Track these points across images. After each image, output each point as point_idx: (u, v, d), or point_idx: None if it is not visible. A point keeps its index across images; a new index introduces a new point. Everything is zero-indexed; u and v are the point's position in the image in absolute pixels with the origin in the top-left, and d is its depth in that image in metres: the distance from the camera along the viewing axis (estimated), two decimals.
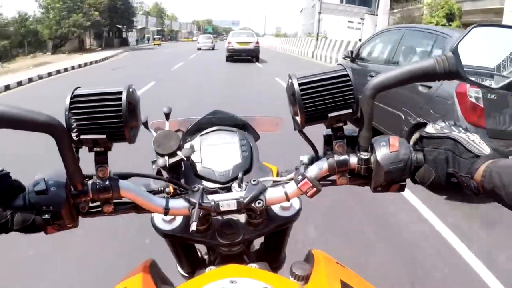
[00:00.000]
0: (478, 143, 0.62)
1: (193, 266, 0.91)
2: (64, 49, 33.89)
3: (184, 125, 0.90)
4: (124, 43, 48.48)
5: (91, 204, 0.68)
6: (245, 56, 20.42)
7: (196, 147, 0.82)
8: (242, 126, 0.89)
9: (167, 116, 0.81)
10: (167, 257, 0.91)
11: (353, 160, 0.68)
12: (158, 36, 61.18)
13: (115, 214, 0.69)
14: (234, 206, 0.69)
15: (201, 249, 0.96)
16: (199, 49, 35.20)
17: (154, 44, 52.60)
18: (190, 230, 0.63)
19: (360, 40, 19.35)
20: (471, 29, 0.64)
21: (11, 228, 0.61)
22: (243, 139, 0.84)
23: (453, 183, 0.63)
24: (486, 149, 0.61)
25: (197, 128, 0.88)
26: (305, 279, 0.66)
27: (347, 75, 0.64)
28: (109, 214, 0.68)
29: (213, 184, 0.78)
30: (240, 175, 0.75)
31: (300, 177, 0.68)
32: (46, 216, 0.62)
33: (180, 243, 0.86)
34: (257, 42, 20.42)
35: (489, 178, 0.57)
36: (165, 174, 0.77)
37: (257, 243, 0.96)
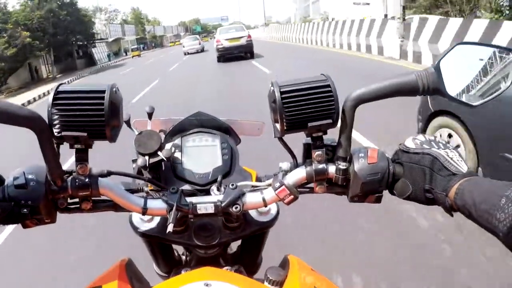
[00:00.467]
0: (456, 160, 0.62)
1: (170, 266, 0.92)
2: (11, 84, 24.80)
3: (167, 125, 0.91)
4: (90, 62, 38.92)
5: (69, 201, 0.68)
6: (238, 53, 18.58)
7: (177, 148, 0.82)
8: (224, 129, 0.90)
9: (149, 115, 0.81)
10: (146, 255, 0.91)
11: (331, 169, 0.69)
12: (136, 47, 53.45)
13: (93, 211, 0.69)
14: (211, 210, 0.69)
15: (179, 249, 0.96)
16: (186, 53, 32.11)
17: (133, 56, 45.91)
18: (167, 231, 0.63)
19: (365, 17, 16.49)
20: (454, 46, 0.65)
21: None
22: (224, 142, 0.84)
23: (430, 198, 0.63)
24: (463, 167, 0.61)
25: (180, 129, 0.88)
26: (280, 284, 0.67)
27: (328, 85, 0.65)
28: (87, 211, 0.68)
29: (192, 186, 0.78)
30: (219, 178, 0.76)
31: (278, 184, 0.69)
32: (25, 210, 0.62)
33: (157, 243, 0.87)
34: (249, 36, 18.26)
35: (461, 195, 0.57)
36: (145, 173, 0.78)
37: (234, 245, 0.96)
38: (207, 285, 0.58)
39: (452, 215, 0.62)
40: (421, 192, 0.64)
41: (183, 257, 0.96)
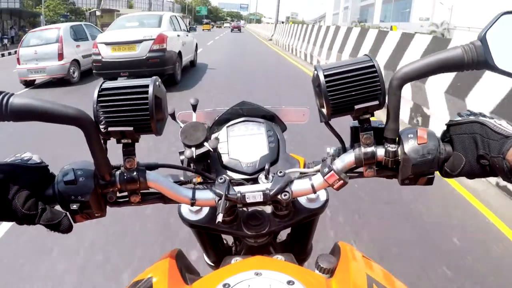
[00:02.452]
0: (505, 125, 0.61)
1: (219, 255, 0.92)
2: None
3: (211, 117, 0.91)
4: None
5: (119, 194, 0.69)
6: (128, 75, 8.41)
7: (223, 138, 0.82)
8: (269, 117, 0.89)
9: (194, 107, 0.81)
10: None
11: (380, 152, 0.67)
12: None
13: (142, 204, 0.70)
14: (260, 198, 0.68)
15: (228, 239, 0.97)
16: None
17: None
18: (216, 221, 0.64)
19: None
20: (499, 17, 0.61)
21: (37, 222, 0.63)
22: (270, 130, 0.83)
23: (485, 166, 0.61)
24: None
25: (224, 119, 0.88)
26: (331, 272, 0.65)
27: (373, 66, 0.63)
28: (136, 204, 0.69)
29: (239, 175, 0.78)
30: (266, 166, 0.75)
31: (326, 169, 0.68)
32: (74, 206, 0.64)
33: (206, 233, 0.87)
34: (160, 40, 8.33)
35: None
36: (192, 165, 0.78)
37: (284, 233, 0.96)
38: (257, 274, 0.58)
39: (510, 180, 0.59)
40: (475, 161, 0.61)
41: (233, 246, 0.97)
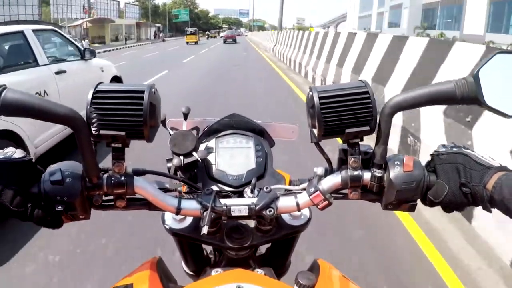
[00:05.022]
0: (487, 157, 0.64)
1: (198, 265, 0.92)
2: None
3: (201, 126, 0.91)
4: None
5: (104, 198, 0.68)
6: None
7: (211, 149, 0.83)
8: (258, 132, 0.90)
9: (185, 116, 0.82)
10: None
11: (367, 176, 0.68)
12: None
13: (127, 209, 0.70)
14: (245, 212, 0.69)
15: (207, 248, 0.97)
16: None
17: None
18: (201, 233, 0.64)
19: None
20: (493, 55, 0.64)
21: (28, 219, 0.63)
22: (259, 144, 0.84)
23: (466, 195, 0.63)
24: (495, 162, 0.62)
25: (214, 129, 0.88)
26: None
27: (367, 92, 0.65)
28: (121, 209, 0.69)
29: (225, 187, 0.78)
30: (253, 180, 0.76)
31: (312, 189, 0.69)
32: (60, 207, 0.63)
33: (187, 242, 0.87)
34: None
35: (500, 190, 0.58)
36: (179, 173, 0.78)
37: (263, 247, 0.96)
38: (239, 287, 0.58)
39: (490, 211, 0.62)
40: (458, 189, 0.64)
41: (211, 257, 0.96)
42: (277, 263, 0.92)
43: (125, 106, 0.61)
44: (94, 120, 0.61)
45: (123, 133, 0.62)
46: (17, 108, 0.58)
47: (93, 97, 0.62)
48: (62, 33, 5.30)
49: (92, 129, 0.62)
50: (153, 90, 0.64)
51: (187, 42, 43.82)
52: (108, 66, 6.16)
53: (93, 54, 5.41)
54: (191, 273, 0.94)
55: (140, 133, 0.62)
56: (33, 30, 4.35)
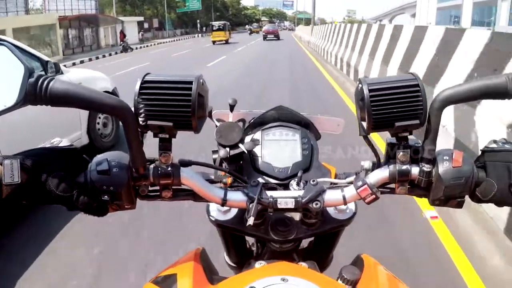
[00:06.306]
0: None
1: (241, 257, 0.93)
2: None
3: (247, 118, 0.91)
4: None
5: (150, 188, 0.70)
6: None
7: (257, 141, 0.83)
8: (304, 124, 0.89)
9: (231, 107, 0.82)
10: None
11: (415, 171, 0.67)
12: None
13: (173, 199, 0.71)
14: (291, 205, 0.69)
15: (249, 241, 0.97)
16: None
17: None
18: (247, 224, 0.64)
19: None
20: None
21: (74, 206, 0.64)
22: (305, 137, 0.83)
23: None
24: None
25: (260, 122, 0.88)
26: (354, 284, 0.65)
27: (417, 85, 0.63)
28: (167, 199, 0.70)
29: (271, 179, 0.78)
30: (299, 173, 0.75)
31: (360, 183, 0.68)
32: (106, 196, 0.64)
33: (231, 234, 0.88)
34: None
35: None
36: (224, 165, 0.78)
37: (306, 241, 0.95)
38: (284, 280, 0.58)
39: None
40: (507, 189, 0.62)
41: (254, 249, 0.97)
42: (320, 257, 0.91)
43: (173, 96, 0.62)
44: (141, 111, 0.62)
45: (170, 124, 0.63)
46: (66, 98, 0.59)
47: (141, 87, 0.63)
48: (17, 44, 3.68)
49: (140, 119, 0.62)
50: (201, 81, 0.64)
51: (214, 42, 33.34)
52: (92, 79, 4.84)
53: (56, 68, 3.99)
54: (233, 265, 0.94)
55: (188, 124, 0.63)
56: None
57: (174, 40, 41.64)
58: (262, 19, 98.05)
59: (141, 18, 41.89)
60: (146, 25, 44.83)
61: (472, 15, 39.91)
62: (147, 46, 31.20)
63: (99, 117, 4.64)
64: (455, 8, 45.35)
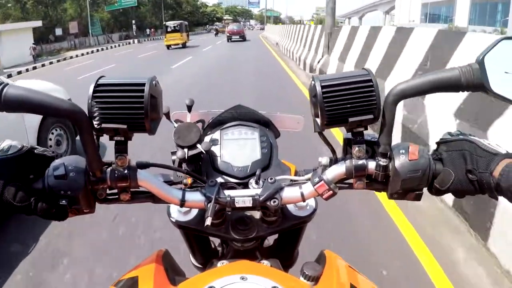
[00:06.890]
0: (493, 144, 0.63)
1: (206, 257, 0.92)
2: None
3: (206, 118, 0.91)
4: None
5: (108, 191, 0.69)
6: None
7: (216, 140, 0.82)
8: (264, 123, 0.89)
9: (189, 108, 0.81)
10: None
11: (371, 165, 0.68)
12: None
13: (131, 202, 0.70)
14: (249, 203, 0.69)
15: (215, 241, 0.97)
16: None
17: None
18: (205, 224, 0.64)
19: None
20: (498, 41, 0.63)
21: (33, 213, 0.63)
22: (264, 135, 0.84)
23: (473, 182, 0.62)
24: (502, 149, 0.62)
25: (218, 121, 0.88)
26: (315, 280, 0.66)
27: (370, 80, 0.64)
28: (126, 202, 0.69)
29: (230, 178, 0.78)
30: (258, 172, 0.76)
31: (317, 179, 0.68)
32: (64, 201, 0.63)
33: (194, 234, 0.87)
34: None
35: (507, 177, 0.57)
36: (184, 166, 0.78)
37: (271, 239, 0.96)
38: (243, 278, 0.59)
39: (497, 199, 0.61)
40: (464, 176, 0.63)
41: (219, 249, 0.97)
42: (284, 254, 0.91)
43: (126, 99, 0.61)
44: (95, 114, 0.61)
45: (124, 126, 0.62)
46: (19, 104, 0.58)
47: (94, 91, 0.62)
48: None
49: (94, 123, 0.62)
50: (153, 82, 0.63)
51: (168, 46, 28.40)
52: (46, 91, 2.92)
53: None
54: (199, 265, 0.94)
55: (141, 125, 0.62)
56: None
57: (99, 50, 31.03)
58: (225, 18, 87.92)
59: (39, 23, 28.17)
60: (59, 32, 33.53)
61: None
62: (43, 65, 21.52)
63: (52, 133, 4.23)
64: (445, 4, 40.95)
